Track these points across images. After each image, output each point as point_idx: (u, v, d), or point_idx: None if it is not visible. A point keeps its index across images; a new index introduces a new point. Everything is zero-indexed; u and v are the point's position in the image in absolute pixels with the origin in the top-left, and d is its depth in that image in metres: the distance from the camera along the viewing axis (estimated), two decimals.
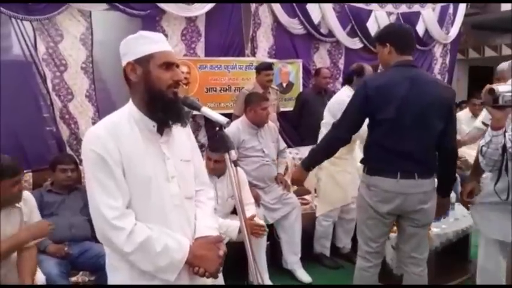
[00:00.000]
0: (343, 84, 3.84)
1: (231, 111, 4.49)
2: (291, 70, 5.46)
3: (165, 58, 1.47)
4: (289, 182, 3.31)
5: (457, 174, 3.06)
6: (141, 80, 1.47)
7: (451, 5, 6.81)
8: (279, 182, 3.57)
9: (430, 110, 2.27)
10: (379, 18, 6.00)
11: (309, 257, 3.64)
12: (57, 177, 2.99)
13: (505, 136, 1.98)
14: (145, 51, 1.46)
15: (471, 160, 4.83)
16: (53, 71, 3.98)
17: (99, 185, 1.41)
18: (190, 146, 1.66)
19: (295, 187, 3.68)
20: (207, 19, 4.74)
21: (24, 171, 2.66)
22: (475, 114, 4.70)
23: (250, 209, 3.05)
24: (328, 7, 5.56)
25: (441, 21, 6.74)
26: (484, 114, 3.59)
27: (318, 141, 2.94)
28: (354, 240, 3.19)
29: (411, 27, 2.71)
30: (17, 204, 2.25)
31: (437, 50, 6.96)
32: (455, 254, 3.50)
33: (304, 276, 3.44)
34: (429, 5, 6.51)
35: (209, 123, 4.67)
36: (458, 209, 3.43)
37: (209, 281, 1.57)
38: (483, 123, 3.59)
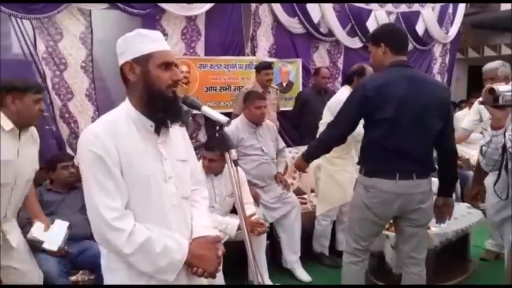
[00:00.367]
0: (342, 84, 3.83)
1: (230, 110, 4.50)
2: (291, 69, 5.45)
3: (164, 58, 1.45)
4: (289, 181, 3.31)
5: None
6: (140, 79, 1.45)
7: (451, 5, 6.80)
8: (279, 182, 3.56)
9: (429, 109, 2.26)
10: (378, 18, 5.99)
11: (308, 256, 3.64)
12: (59, 175, 2.98)
13: (505, 136, 1.98)
14: (144, 51, 1.44)
15: (472, 160, 4.86)
16: (53, 70, 3.98)
17: (98, 185, 1.38)
18: (185, 145, 1.64)
19: (294, 187, 3.67)
20: (207, 18, 4.75)
21: None
22: None
23: (249, 208, 3.05)
24: (328, 6, 5.55)
25: (441, 20, 6.73)
26: (472, 115, 3.58)
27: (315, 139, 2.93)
28: None
29: (404, 28, 2.70)
30: (32, 135, 2.31)
31: (437, 50, 6.96)
32: (455, 254, 3.50)
33: (303, 276, 3.44)
34: (429, 5, 6.51)
35: (209, 122, 4.67)
36: (458, 209, 3.42)
37: (205, 281, 1.57)
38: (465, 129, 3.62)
